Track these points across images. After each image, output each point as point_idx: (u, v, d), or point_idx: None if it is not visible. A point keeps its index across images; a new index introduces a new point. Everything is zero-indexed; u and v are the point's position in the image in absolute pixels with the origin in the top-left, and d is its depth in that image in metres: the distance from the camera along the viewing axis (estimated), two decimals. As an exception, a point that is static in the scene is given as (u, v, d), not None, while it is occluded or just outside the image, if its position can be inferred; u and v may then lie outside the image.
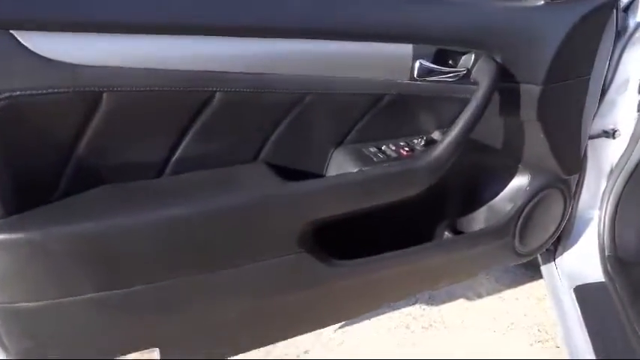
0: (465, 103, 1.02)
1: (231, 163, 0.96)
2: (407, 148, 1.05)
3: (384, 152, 1.04)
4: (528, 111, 1.09)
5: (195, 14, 0.81)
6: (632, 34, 1.26)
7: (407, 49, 0.97)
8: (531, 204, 1.23)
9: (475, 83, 1.02)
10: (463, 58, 1.02)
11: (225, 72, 0.84)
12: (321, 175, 1.05)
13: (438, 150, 1.00)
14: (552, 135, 1.15)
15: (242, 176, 0.94)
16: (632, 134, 1.30)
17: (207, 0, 0.82)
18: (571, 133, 1.20)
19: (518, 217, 1.23)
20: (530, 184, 1.21)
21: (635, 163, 1.32)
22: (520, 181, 1.23)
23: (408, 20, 0.96)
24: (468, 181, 1.24)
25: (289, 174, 0.98)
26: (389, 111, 1.03)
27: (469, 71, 1.02)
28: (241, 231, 0.90)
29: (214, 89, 0.85)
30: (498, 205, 1.24)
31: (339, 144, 1.05)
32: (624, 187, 1.37)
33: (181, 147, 0.90)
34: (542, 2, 1.04)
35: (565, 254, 1.46)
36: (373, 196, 0.99)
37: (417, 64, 0.98)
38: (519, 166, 1.23)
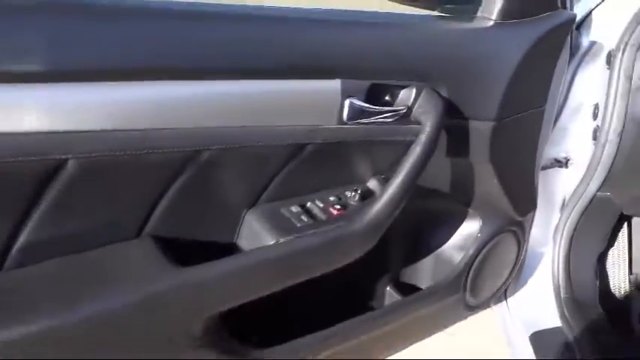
0: (406, 145, 0.83)
1: (106, 241, 0.72)
2: (338, 206, 0.84)
3: (308, 212, 0.82)
4: (479, 150, 0.93)
5: (36, 55, 0.56)
6: (585, 54, 1.13)
7: (334, 85, 0.76)
8: (483, 252, 1.07)
9: (418, 123, 0.83)
10: (402, 92, 0.83)
11: (80, 131, 0.60)
12: (231, 244, 0.82)
13: (376, 208, 0.81)
14: (505, 175, 0.99)
15: (118, 261, 0.70)
16: (589, 165, 1.16)
17: (52, 36, 0.57)
18: (525, 170, 1.05)
19: (470, 268, 1.07)
20: (481, 230, 1.05)
21: (591, 196, 1.20)
22: (470, 228, 1.06)
23: (332, 49, 0.75)
24: (412, 229, 1.05)
25: (187, 248, 0.75)
26: (314, 160, 0.81)
27: (410, 109, 0.83)
28: (118, 336, 0.67)
29: (65, 157, 0.60)
30: (447, 254, 1.07)
31: (252, 204, 0.82)
32: (579, 220, 1.24)
33: (26, 229, 0.65)
34: (492, 22, 0.87)
35: (517, 294, 1.32)
36: (296, 274, 0.78)
37: (346, 104, 0.77)
38: (469, 210, 1.06)
